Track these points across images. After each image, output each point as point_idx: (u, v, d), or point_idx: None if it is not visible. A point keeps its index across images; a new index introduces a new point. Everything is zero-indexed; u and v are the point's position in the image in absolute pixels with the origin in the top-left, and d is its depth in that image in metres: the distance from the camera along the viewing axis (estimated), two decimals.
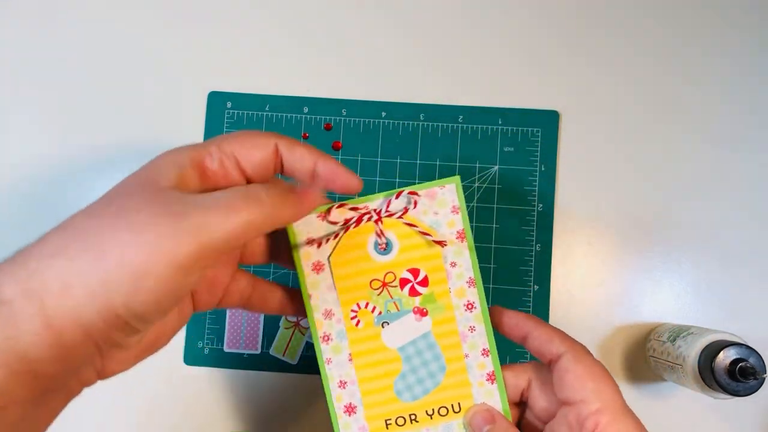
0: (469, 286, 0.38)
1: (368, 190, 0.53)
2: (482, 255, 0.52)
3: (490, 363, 0.38)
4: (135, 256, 0.27)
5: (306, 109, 0.54)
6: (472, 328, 0.38)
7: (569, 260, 0.52)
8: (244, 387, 0.51)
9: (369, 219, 0.37)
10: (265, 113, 0.54)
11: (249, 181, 0.33)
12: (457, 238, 0.38)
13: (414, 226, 0.38)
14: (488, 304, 0.38)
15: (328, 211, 0.37)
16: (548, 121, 0.53)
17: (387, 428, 0.38)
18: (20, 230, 0.53)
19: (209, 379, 0.51)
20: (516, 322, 0.37)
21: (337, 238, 0.38)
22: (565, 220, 0.53)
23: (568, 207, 0.53)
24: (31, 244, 0.29)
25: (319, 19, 0.55)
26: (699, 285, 0.52)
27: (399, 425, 0.38)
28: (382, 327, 0.38)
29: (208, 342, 0.52)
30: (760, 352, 0.42)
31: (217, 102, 0.54)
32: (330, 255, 0.38)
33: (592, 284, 0.52)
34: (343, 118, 0.53)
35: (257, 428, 0.51)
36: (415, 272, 0.38)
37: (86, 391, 0.48)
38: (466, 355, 0.38)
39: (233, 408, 0.51)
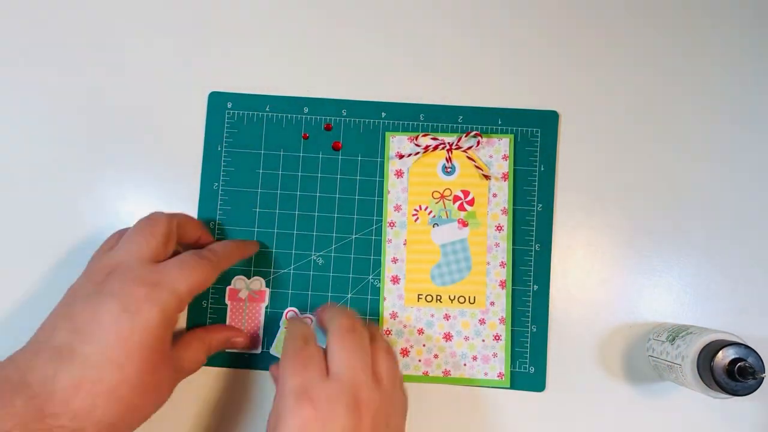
0: (502, 213, 0.52)
1: (369, 190, 0.53)
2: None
3: (504, 273, 0.51)
4: (149, 409, 0.41)
5: (306, 109, 0.54)
6: (497, 244, 0.51)
7: (569, 260, 0.52)
8: (244, 386, 0.52)
9: (443, 148, 0.52)
10: (265, 113, 0.54)
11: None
12: (501, 177, 0.52)
13: (473, 160, 0.52)
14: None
15: (416, 137, 0.52)
16: (548, 121, 0.53)
17: (417, 300, 0.51)
18: (20, 230, 0.53)
19: (209, 379, 0.52)
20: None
21: (417, 155, 0.52)
22: (564, 220, 0.53)
23: (568, 207, 0.53)
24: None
25: (319, 20, 0.55)
26: (698, 285, 0.52)
27: (427, 301, 0.51)
28: (433, 227, 0.52)
29: None
30: (759, 352, 0.42)
31: (217, 102, 0.54)
32: (410, 167, 0.52)
33: (592, 284, 0.52)
34: (343, 118, 0.54)
35: (257, 428, 0.51)
36: (466, 193, 0.52)
37: None
38: (488, 263, 0.51)
39: (233, 407, 0.51)
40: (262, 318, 0.52)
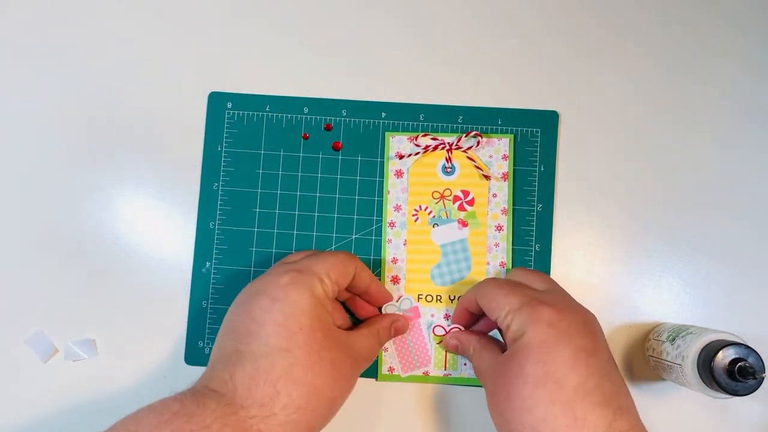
0: (502, 214, 0.52)
1: (369, 190, 0.53)
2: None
3: (504, 273, 0.51)
4: (332, 391, 0.41)
5: (306, 109, 0.54)
6: (496, 244, 0.52)
7: (569, 260, 0.52)
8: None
9: (442, 148, 0.52)
10: (265, 113, 0.54)
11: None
12: (501, 177, 0.52)
13: (473, 160, 0.52)
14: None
15: (416, 137, 0.52)
16: (548, 121, 0.53)
17: (418, 300, 0.51)
18: (18, 230, 0.53)
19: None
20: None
21: (417, 156, 0.52)
22: (564, 220, 0.53)
23: (567, 207, 0.53)
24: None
25: (319, 20, 0.55)
26: (698, 285, 0.52)
27: (427, 301, 0.51)
28: (433, 227, 0.52)
29: (209, 342, 0.52)
30: (759, 352, 0.42)
31: (217, 102, 0.54)
32: (409, 167, 0.52)
33: (592, 284, 0.52)
34: (343, 118, 0.54)
35: None
36: (465, 193, 0.52)
37: (88, 392, 0.48)
38: (488, 263, 0.52)
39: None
40: None
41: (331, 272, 0.44)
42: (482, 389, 0.44)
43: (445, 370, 0.51)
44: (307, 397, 0.39)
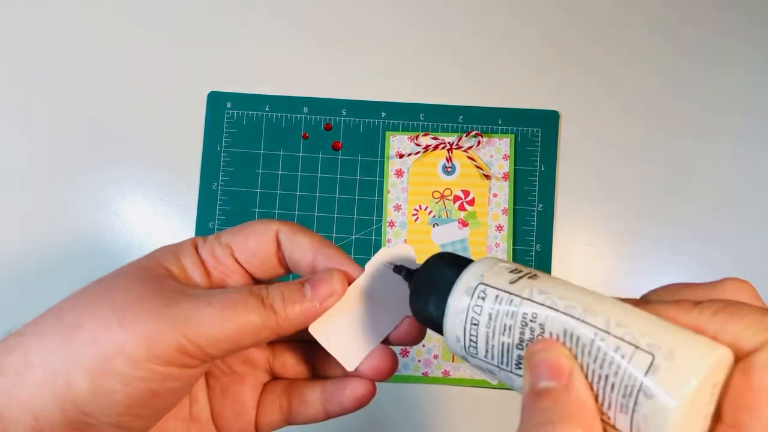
0: (502, 214, 0.52)
1: (369, 190, 0.53)
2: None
3: None
4: (107, 333, 0.24)
5: (306, 109, 0.54)
6: (497, 244, 0.51)
7: (569, 260, 0.52)
8: None
9: (443, 147, 0.52)
10: (265, 113, 0.54)
11: (257, 280, 0.29)
12: (502, 177, 0.52)
13: (473, 160, 0.52)
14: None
15: (416, 136, 0.52)
16: (548, 121, 0.53)
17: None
18: (19, 229, 0.53)
19: None
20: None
21: (418, 155, 0.52)
22: (565, 220, 0.53)
23: (568, 207, 0.53)
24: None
25: (319, 20, 0.55)
26: None
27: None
28: (433, 227, 0.52)
29: None
30: None
31: (217, 102, 0.54)
32: (410, 166, 0.52)
33: (592, 284, 0.52)
34: (343, 118, 0.53)
35: None
36: (466, 193, 0.52)
37: None
38: None
39: None
40: None
41: (224, 234, 0.29)
42: (482, 389, 0.44)
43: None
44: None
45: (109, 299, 0.25)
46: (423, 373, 0.51)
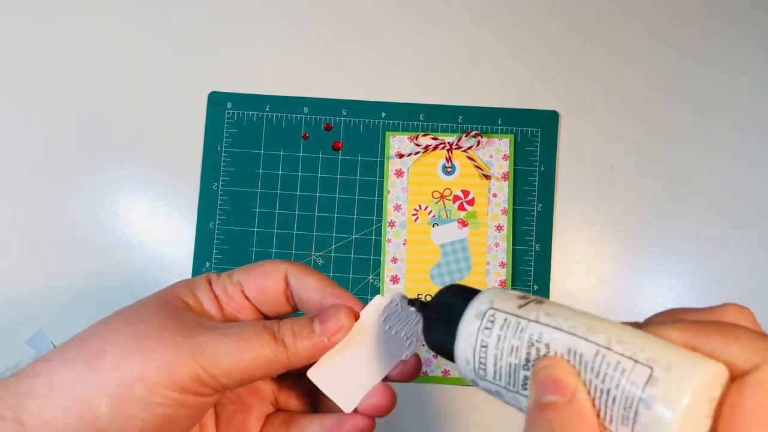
0: (502, 213, 0.52)
1: (369, 190, 0.53)
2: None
3: (504, 273, 0.51)
4: (129, 360, 0.25)
5: (306, 109, 0.54)
6: (497, 244, 0.51)
7: (569, 260, 0.52)
8: None
9: (443, 148, 0.52)
10: (265, 113, 0.54)
11: (266, 316, 0.31)
12: (501, 177, 0.52)
13: (473, 160, 0.52)
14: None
15: (416, 136, 0.52)
16: (548, 121, 0.53)
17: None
18: (18, 229, 0.53)
19: None
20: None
21: (417, 155, 0.52)
22: (564, 220, 0.53)
23: (567, 207, 0.53)
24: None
25: (319, 20, 0.55)
26: (698, 285, 0.52)
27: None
28: (433, 227, 0.52)
29: None
30: None
31: (217, 102, 0.54)
32: (410, 166, 0.52)
33: (592, 284, 0.52)
34: (343, 118, 0.54)
35: None
36: (466, 193, 0.52)
37: None
38: (488, 263, 0.51)
39: None
40: None
41: (236, 273, 0.31)
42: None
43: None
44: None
45: (131, 328, 0.26)
46: (423, 373, 0.51)
